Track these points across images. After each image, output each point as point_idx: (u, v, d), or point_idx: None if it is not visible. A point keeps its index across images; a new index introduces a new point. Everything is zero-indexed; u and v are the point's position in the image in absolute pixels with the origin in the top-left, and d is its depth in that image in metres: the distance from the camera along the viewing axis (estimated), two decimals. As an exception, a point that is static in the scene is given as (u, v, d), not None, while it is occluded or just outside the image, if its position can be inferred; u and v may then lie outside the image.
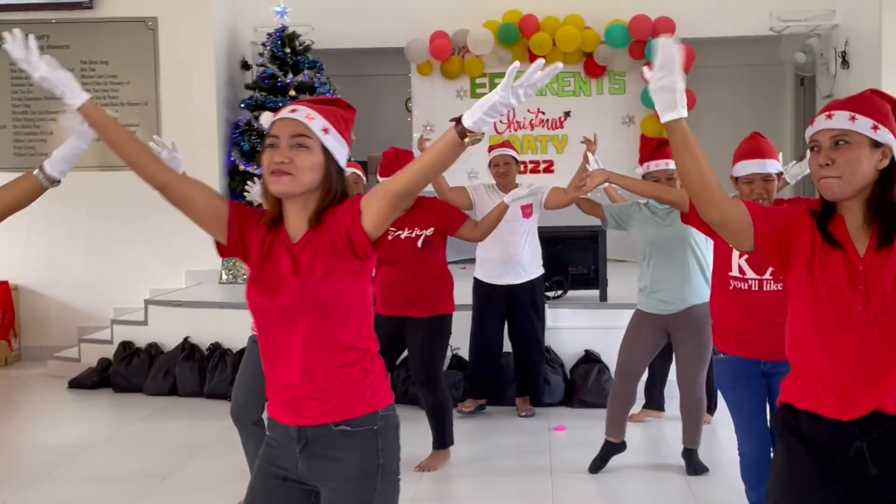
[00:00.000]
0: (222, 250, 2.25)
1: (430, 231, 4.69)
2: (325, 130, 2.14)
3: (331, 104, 2.22)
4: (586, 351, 6.50)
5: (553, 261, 6.35)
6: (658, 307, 4.53)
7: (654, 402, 5.85)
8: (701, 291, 4.50)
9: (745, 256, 3.43)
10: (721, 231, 2.16)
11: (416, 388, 4.98)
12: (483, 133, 2.03)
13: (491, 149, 5.91)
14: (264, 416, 3.72)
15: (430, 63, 9.39)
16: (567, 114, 9.62)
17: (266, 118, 2.33)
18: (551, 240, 6.26)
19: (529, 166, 9.48)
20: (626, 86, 9.47)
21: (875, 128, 2.09)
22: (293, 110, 2.15)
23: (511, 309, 5.84)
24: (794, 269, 2.17)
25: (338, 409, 2.16)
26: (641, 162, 4.52)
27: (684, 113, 2.05)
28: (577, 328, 6.50)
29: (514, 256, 5.71)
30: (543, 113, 9.59)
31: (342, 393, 2.16)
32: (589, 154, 4.54)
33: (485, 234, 4.73)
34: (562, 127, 9.61)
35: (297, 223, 2.20)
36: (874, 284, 2.08)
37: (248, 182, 4.59)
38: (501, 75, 9.10)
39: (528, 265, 5.84)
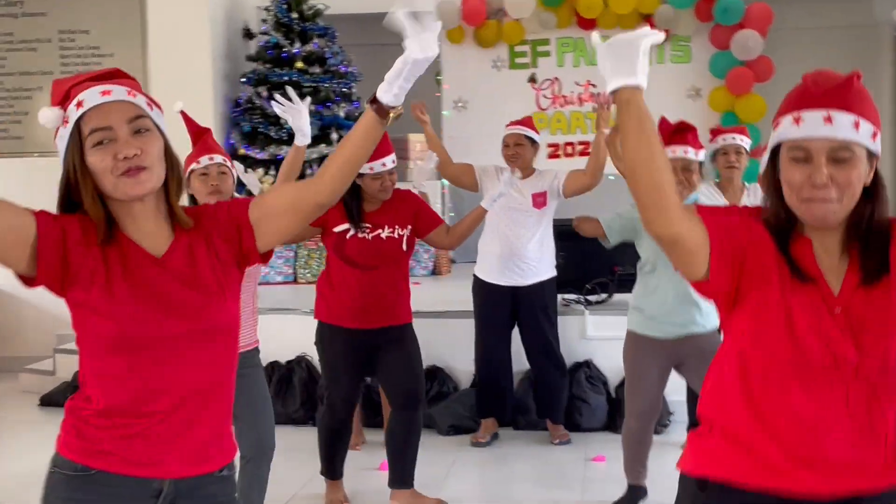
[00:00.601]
0: (28, 282, 1.96)
1: (408, 230, 4.49)
2: (150, 105, 2.01)
3: (116, 76, 2.03)
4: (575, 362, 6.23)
5: (595, 259, 6.03)
6: (665, 330, 4.22)
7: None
8: (711, 310, 4.20)
9: None
10: (671, 250, 1.88)
11: (393, 414, 4.63)
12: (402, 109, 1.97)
13: (509, 126, 5.62)
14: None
15: (462, 29, 9.05)
16: None
17: (45, 115, 2.02)
18: (592, 234, 5.70)
19: (578, 148, 9.14)
20: (691, 53, 9.05)
21: (874, 135, 1.87)
22: (105, 92, 1.94)
23: (517, 315, 5.59)
24: (749, 305, 1.91)
25: (220, 452, 2.09)
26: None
27: (643, 81, 1.83)
28: (621, 338, 5.83)
29: (517, 252, 5.48)
30: (594, 86, 9.08)
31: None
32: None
33: (456, 243, 4.58)
34: (615, 102, 8.91)
35: (152, 230, 2.03)
36: (863, 331, 1.86)
37: (248, 169, 4.64)
38: (544, 42, 9.21)
39: (535, 263, 5.54)
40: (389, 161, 4.31)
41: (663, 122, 4.29)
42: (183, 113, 3.82)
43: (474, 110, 8.99)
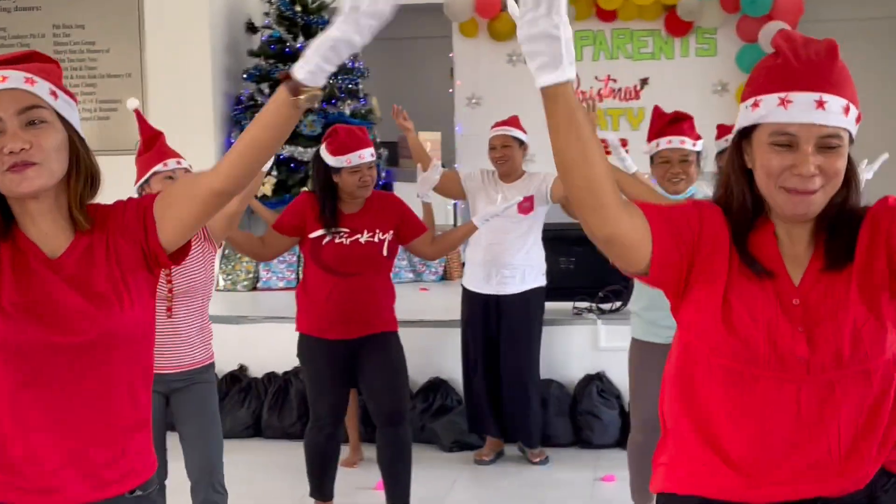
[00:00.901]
0: None
1: (390, 235, 4.40)
2: (54, 94, 1.90)
3: (30, 60, 1.93)
4: (587, 375, 6.11)
5: (607, 265, 5.53)
6: (664, 335, 4.09)
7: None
8: None
9: None
10: (608, 248, 1.82)
11: (378, 431, 4.53)
12: (323, 88, 1.85)
13: (494, 126, 5.46)
14: None
15: (476, 22, 9.10)
16: (644, 81, 9.32)
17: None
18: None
19: None
20: (716, 46, 9.11)
21: (858, 119, 1.81)
22: (2, 78, 1.85)
23: (497, 325, 5.46)
24: (695, 296, 1.88)
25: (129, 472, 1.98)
26: (650, 138, 4.14)
27: (571, 74, 1.71)
28: None
29: (500, 260, 5.35)
30: (615, 81, 9.25)
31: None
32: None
33: (439, 254, 4.55)
34: (637, 98, 9.32)
35: (50, 230, 1.94)
36: (818, 323, 1.81)
37: None
38: None
39: (521, 272, 5.39)
40: (367, 154, 4.23)
41: (657, 111, 4.24)
42: (137, 112, 3.73)
43: (489, 107, 8.93)
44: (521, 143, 5.40)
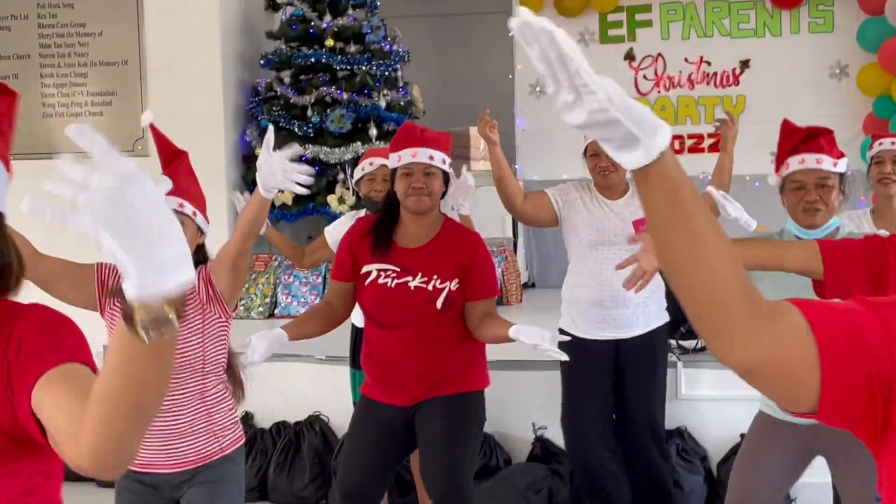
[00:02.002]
0: None
1: (454, 285, 4.18)
2: None
3: None
4: (742, 436, 5.50)
5: None
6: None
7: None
8: None
9: None
10: (750, 381, 1.50)
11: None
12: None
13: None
14: None
15: None
16: (745, 63, 9.16)
17: None
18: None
19: (688, 143, 9.16)
20: (833, 20, 8.94)
21: None
22: None
23: (619, 373, 5.28)
24: None
25: None
26: (779, 162, 3.92)
27: (662, 143, 1.41)
28: (727, 398, 5.89)
29: (616, 297, 5.08)
30: (709, 63, 9.11)
31: None
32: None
33: (477, 338, 4.28)
34: (737, 83, 9.17)
35: None
36: None
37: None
38: (644, 8, 9.14)
39: (642, 309, 5.18)
40: (425, 154, 4.04)
41: (787, 127, 4.03)
42: (153, 127, 3.52)
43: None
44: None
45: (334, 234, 4.93)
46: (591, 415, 5.30)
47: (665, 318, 5.29)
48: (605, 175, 4.98)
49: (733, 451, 5.72)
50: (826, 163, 3.80)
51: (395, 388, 4.23)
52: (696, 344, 6.07)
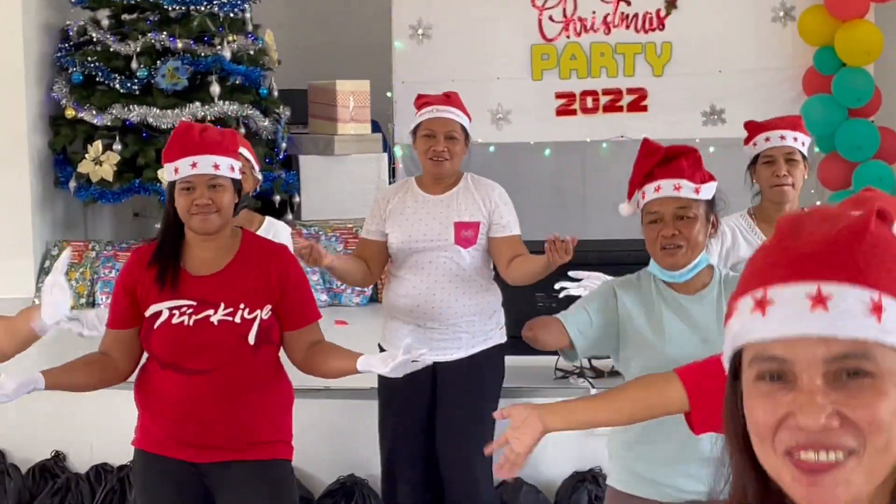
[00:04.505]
0: None
1: (266, 312, 4.19)
2: None
3: None
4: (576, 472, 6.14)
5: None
6: (663, 492, 4.08)
7: None
8: None
9: None
10: None
11: None
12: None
13: (420, 100, 5.34)
14: None
15: None
16: (671, 3, 9.22)
17: None
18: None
19: (603, 100, 9.26)
20: None
21: None
22: None
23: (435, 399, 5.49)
24: None
25: None
26: (632, 187, 4.04)
27: None
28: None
29: (434, 315, 5.37)
30: (628, 3, 9.18)
31: None
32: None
33: (307, 370, 4.41)
34: (661, 27, 9.27)
35: None
36: None
37: None
38: None
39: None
40: (207, 164, 4.01)
41: (645, 145, 4.11)
42: None
43: (441, 41, 9.03)
44: (466, 133, 5.31)
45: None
46: (399, 435, 5.43)
47: (501, 337, 5.45)
48: (437, 161, 5.16)
49: (572, 480, 6.00)
50: (686, 189, 3.85)
51: (191, 441, 4.23)
52: (612, 366, 5.99)
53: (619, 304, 4.18)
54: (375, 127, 8.97)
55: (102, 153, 7.69)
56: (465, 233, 5.28)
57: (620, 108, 9.28)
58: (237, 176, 4.07)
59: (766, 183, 4.96)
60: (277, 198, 7.93)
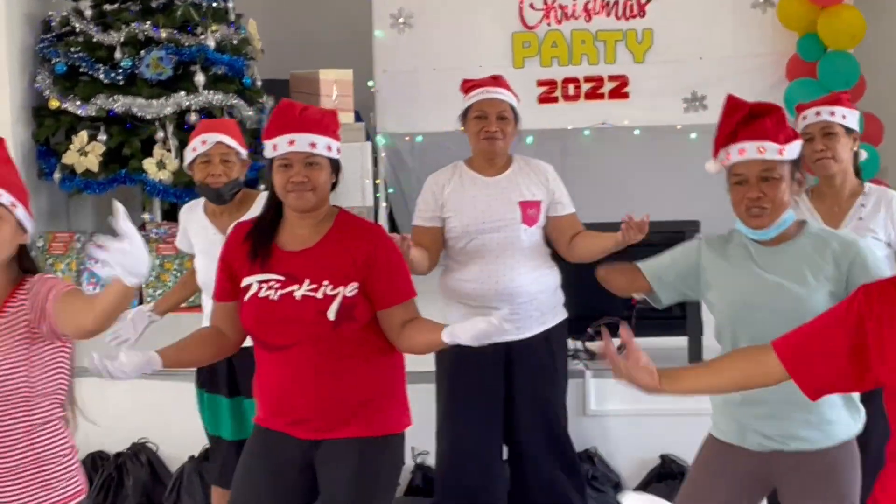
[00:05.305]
0: None
1: (351, 290, 4.17)
2: None
3: None
4: (663, 457, 6.21)
5: (598, 286, 5.34)
6: (753, 441, 4.16)
7: None
8: (840, 418, 4.14)
9: None
10: None
11: None
12: None
13: (467, 84, 5.46)
14: None
15: None
16: None
17: None
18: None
19: (585, 87, 9.41)
20: None
21: None
22: None
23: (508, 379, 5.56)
24: None
25: None
26: (718, 146, 4.07)
27: None
28: (643, 413, 6.18)
29: (505, 291, 5.45)
30: None
31: None
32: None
33: (404, 349, 4.39)
34: (642, 14, 9.49)
35: None
36: None
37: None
38: None
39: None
40: (305, 142, 4.07)
41: (730, 101, 4.11)
42: None
43: (422, 30, 9.24)
44: (516, 113, 5.38)
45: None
46: (472, 421, 5.52)
47: (564, 313, 5.57)
48: (491, 139, 5.25)
49: (653, 476, 6.14)
50: (770, 151, 3.92)
51: (290, 419, 4.27)
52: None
53: (702, 254, 4.27)
54: (357, 117, 9.03)
55: (87, 144, 7.69)
56: (530, 211, 5.42)
57: (602, 96, 9.42)
58: (335, 156, 4.14)
59: (808, 160, 4.98)
60: (262, 187, 7.95)
